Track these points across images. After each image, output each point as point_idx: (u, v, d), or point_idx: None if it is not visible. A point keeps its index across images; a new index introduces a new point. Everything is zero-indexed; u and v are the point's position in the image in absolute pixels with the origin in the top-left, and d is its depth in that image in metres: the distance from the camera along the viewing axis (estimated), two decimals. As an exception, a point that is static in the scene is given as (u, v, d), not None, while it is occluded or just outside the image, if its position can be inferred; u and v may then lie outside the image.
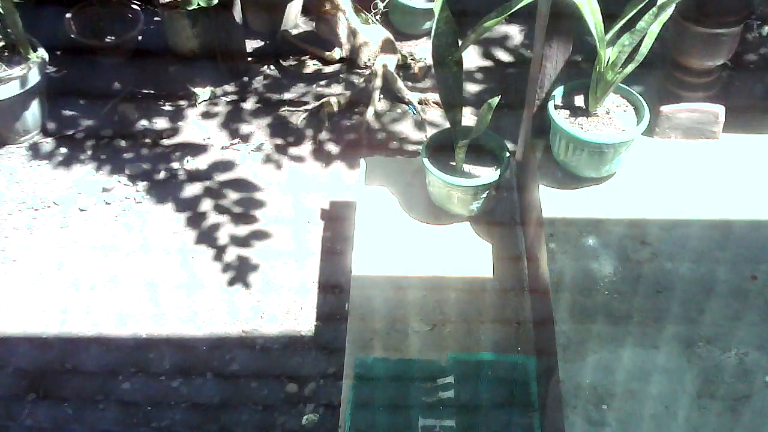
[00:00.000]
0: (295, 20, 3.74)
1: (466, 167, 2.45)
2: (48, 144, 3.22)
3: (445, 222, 2.50)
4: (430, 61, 3.41)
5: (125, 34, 3.48)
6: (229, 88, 3.47)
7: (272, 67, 3.58)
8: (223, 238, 2.92)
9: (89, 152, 3.19)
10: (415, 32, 3.69)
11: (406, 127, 3.32)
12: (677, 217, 2.26)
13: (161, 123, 3.32)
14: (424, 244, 2.45)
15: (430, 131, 3.23)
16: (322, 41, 3.57)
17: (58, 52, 3.32)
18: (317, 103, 3.37)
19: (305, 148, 3.24)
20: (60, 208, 2.99)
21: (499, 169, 2.43)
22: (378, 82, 3.37)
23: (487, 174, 2.42)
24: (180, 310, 2.70)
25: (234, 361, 2.57)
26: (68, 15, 3.46)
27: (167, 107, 3.38)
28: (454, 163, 2.45)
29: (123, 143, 3.23)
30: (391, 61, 3.46)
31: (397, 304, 2.32)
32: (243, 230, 2.94)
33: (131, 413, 2.45)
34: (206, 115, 3.36)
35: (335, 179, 3.13)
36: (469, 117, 3.21)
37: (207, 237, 2.92)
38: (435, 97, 3.32)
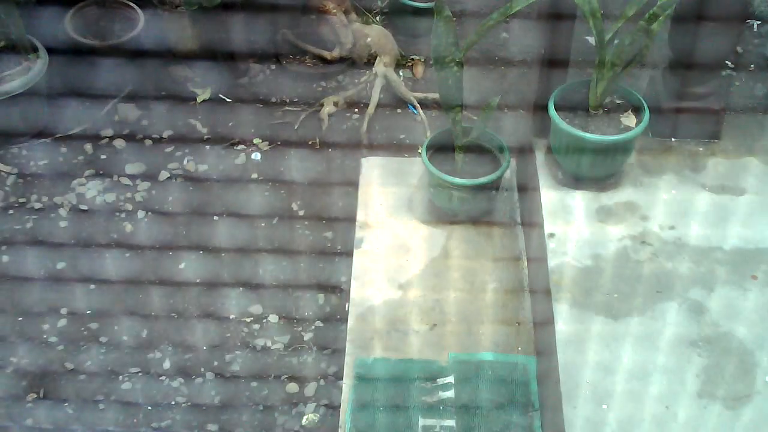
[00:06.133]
0: (295, 20, 3.74)
1: (466, 167, 2.46)
2: (48, 144, 3.22)
3: (446, 222, 2.50)
4: (430, 61, 3.41)
5: (125, 34, 3.47)
6: (229, 88, 3.46)
7: (272, 67, 3.57)
8: (222, 237, 2.92)
9: (89, 152, 3.19)
10: (415, 32, 3.69)
11: (406, 127, 3.32)
12: (677, 217, 2.26)
13: (161, 123, 3.32)
14: (424, 244, 2.45)
15: (430, 131, 3.23)
16: (322, 41, 3.56)
17: (58, 52, 3.31)
18: (317, 103, 3.37)
19: (305, 148, 3.24)
20: (60, 208, 2.99)
21: (499, 169, 2.43)
22: (378, 82, 3.37)
23: (487, 174, 2.42)
24: (180, 309, 2.70)
25: (234, 361, 2.57)
26: (68, 15, 3.45)
27: (167, 107, 3.38)
28: (454, 163, 2.45)
29: (123, 143, 3.23)
30: (391, 60, 3.46)
31: (398, 304, 2.32)
32: (242, 230, 2.94)
33: (131, 413, 2.45)
34: (206, 114, 3.36)
35: (335, 179, 3.13)
36: (469, 117, 3.21)
37: (206, 236, 2.92)
38: (435, 97, 3.32)
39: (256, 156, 3.21)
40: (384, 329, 2.27)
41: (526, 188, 2.50)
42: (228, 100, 3.43)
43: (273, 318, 2.68)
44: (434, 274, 2.39)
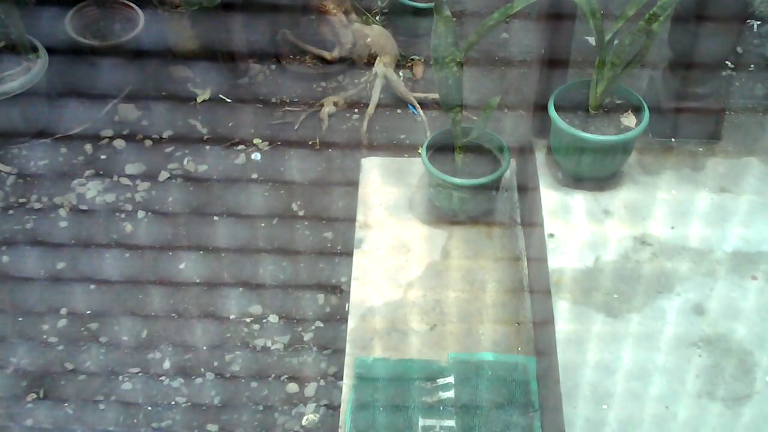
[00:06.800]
0: (295, 20, 3.74)
1: (466, 167, 2.46)
2: (48, 144, 3.22)
3: (446, 222, 2.50)
4: (430, 61, 3.41)
5: (125, 34, 3.47)
6: (229, 88, 3.46)
7: (272, 67, 3.57)
8: (222, 237, 2.92)
9: (89, 152, 3.19)
10: (415, 32, 3.69)
11: (406, 127, 3.32)
12: (677, 217, 2.26)
13: (161, 123, 3.32)
14: (424, 244, 2.45)
15: (430, 131, 3.23)
16: (322, 41, 3.56)
17: (58, 52, 3.32)
18: (317, 103, 3.37)
19: (305, 148, 3.24)
20: (60, 208, 2.99)
21: (499, 169, 2.43)
22: (378, 82, 3.38)
23: (487, 174, 2.43)
24: (180, 309, 2.70)
25: (234, 361, 2.57)
26: (68, 15, 3.46)
27: (167, 107, 3.38)
28: (454, 163, 2.45)
29: (123, 143, 3.23)
30: (391, 60, 3.46)
31: (398, 304, 2.32)
32: (242, 230, 2.94)
33: (131, 413, 2.45)
34: (206, 114, 3.36)
35: (335, 179, 3.13)
36: (469, 117, 3.21)
37: (206, 236, 2.92)
38: (435, 97, 3.32)
39: (256, 156, 3.21)
40: (384, 329, 2.27)
41: (526, 188, 2.50)
42: (228, 100, 3.43)
43: (273, 318, 2.68)
44: (434, 274, 2.39)
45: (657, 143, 2.45)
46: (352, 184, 3.03)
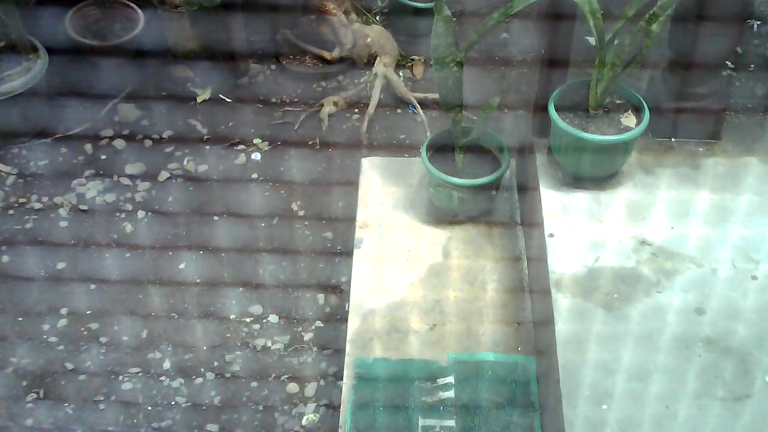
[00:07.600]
0: (295, 20, 3.74)
1: (466, 167, 2.46)
2: (48, 144, 3.22)
3: (446, 222, 2.50)
4: (430, 61, 3.41)
5: (125, 34, 3.47)
6: (229, 88, 3.46)
7: (272, 67, 3.58)
8: (222, 237, 2.92)
9: (89, 152, 3.19)
10: (415, 32, 3.69)
11: (406, 127, 3.32)
12: (677, 217, 2.26)
13: (161, 123, 3.32)
14: (424, 244, 2.46)
15: (430, 131, 3.23)
16: (322, 41, 3.57)
17: (58, 52, 3.32)
18: (317, 103, 3.37)
19: (305, 148, 3.25)
20: (60, 208, 2.99)
21: (499, 169, 2.43)
22: (378, 82, 3.38)
23: (487, 174, 2.43)
24: (180, 309, 2.70)
25: (234, 361, 2.57)
26: (68, 15, 3.45)
27: (167, 107, 3.38)
28: (454, 163, 2.45)
29: (123, 143, 3.23)
30: (391, 60, 3.46)
31: (397, 304, 2.32)
32: (242, 230, 2.94)
33: (131, 413, 2.45)
34: (206, 114, 3.37)
35: (335, 179, 3.13)
36: (469, 117, 3.21)
37: (206, 236, 2.92)
38: (435, 97, 3.32)
39: (256, 156, 3.21)
40: (384, 329, 2.27)
41: (526, 188, 2.51)
42: (228, 100, 3.43)
43: (273, 318, 2.68)
44: (434, 274, 2.39)
45: (657, 143, 2.45)
46: (352, 184, 3.03)
